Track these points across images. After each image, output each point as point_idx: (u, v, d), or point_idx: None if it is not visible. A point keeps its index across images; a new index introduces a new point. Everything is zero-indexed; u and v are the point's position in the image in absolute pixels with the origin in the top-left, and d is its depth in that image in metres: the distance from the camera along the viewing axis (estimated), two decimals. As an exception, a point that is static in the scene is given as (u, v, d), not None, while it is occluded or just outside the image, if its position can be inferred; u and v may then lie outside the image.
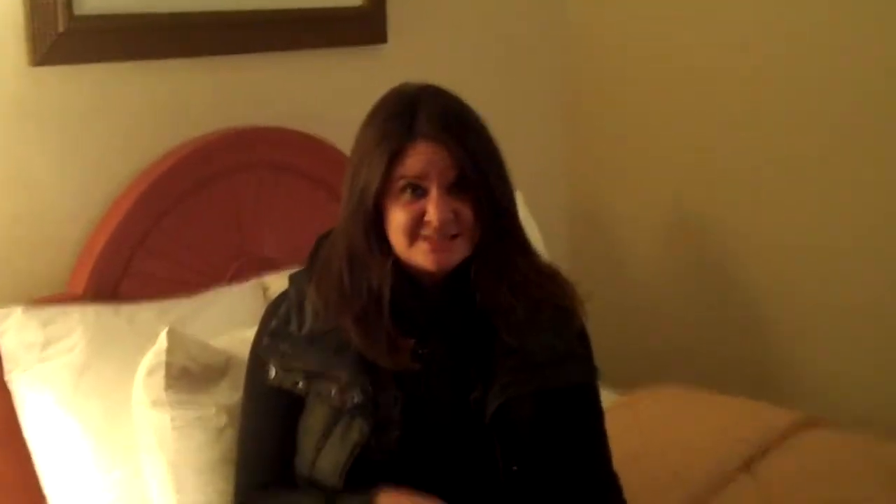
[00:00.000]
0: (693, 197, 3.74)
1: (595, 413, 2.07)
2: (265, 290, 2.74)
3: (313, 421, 1.92)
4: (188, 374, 2.19)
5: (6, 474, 2.42)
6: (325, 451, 1.89)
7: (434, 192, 1.85)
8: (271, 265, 2.82)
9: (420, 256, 1.87)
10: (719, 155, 3.63)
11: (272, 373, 1.95)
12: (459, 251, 1.89)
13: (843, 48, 3.32)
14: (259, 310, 2.59)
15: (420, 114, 1.86)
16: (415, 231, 1.86)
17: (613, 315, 3.70)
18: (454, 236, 1.87)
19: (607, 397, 2.30)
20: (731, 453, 2.70)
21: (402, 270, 1.91)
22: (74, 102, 2.60)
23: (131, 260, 2.62)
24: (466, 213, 1.88)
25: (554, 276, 2.02)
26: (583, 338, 2.05)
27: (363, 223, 1.88)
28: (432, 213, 1.84)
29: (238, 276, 2.78)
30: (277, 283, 2.66)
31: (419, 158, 1.85)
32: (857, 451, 2.75)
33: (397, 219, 1.87)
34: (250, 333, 2.16)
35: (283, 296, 2.04)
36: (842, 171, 3.38)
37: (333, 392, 1.89)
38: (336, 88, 3.11)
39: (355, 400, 1.87)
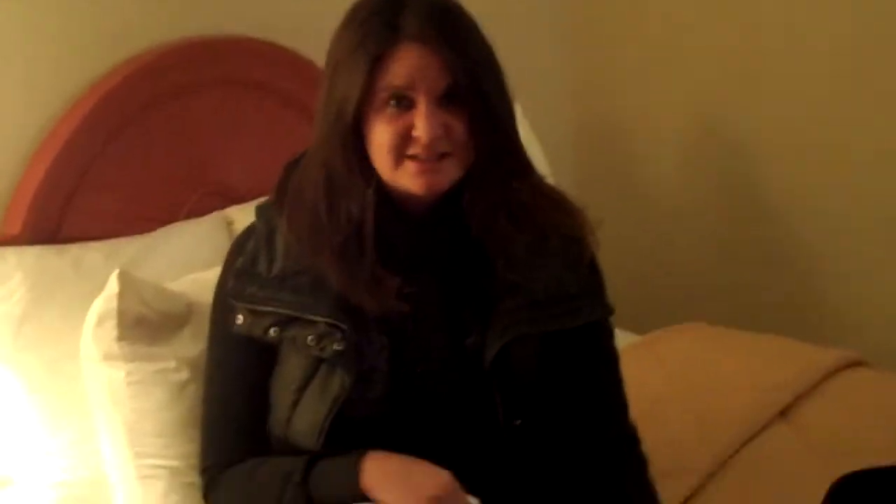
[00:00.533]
0: (716, 106, 3.72)
1: (609, 356, 2.06)
2: (229, 224, 2.74)
3: (287, 373, 1.91)
4: (144, 323, 2.17)
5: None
6: (302, 408, 1.88)
7: (422, 105, 1.82)
8: (236, 196, 2.81)
9: (406, 179, 1.84)
10: (747, 57, 3.61)
11: (240, 319, 1.92)
12: (450, 173, 1.87)
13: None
14: (223, 247, 2.57)
15: (405, 11, 1.83)
16: (401, 150, 1.83)
17: (627, 246, 3.70)
18: (444, 155, 1.84)
19: (622, 338, 2.30)
20: (764, 398, 2.70)
21: (387, 197, 1.88)
22: (3, 9, 2.55)
23: (74, 194, 2.59)
24: (459, 128, 1.84)
25: (560, 201, 1.99)
26: (593, 270, 2.03)
27: (341, 142, 1.85)
28: (420, 129, 1.81)
29: (198, 209, 2.77)
30: (243, 216, 2.66)
31: (405, 64, 1.81)
32: (906, 393, 2.76)
33: (380, 136, 1.83)
34: (214, 275, 2.15)
35: (249, 231, 2.01)
36: (881, 74, 3.36)
37: (310, 339, 1.87)
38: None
39: (335, 347, 1.85)
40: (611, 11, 3.87)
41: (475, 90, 1.84)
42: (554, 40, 3.88)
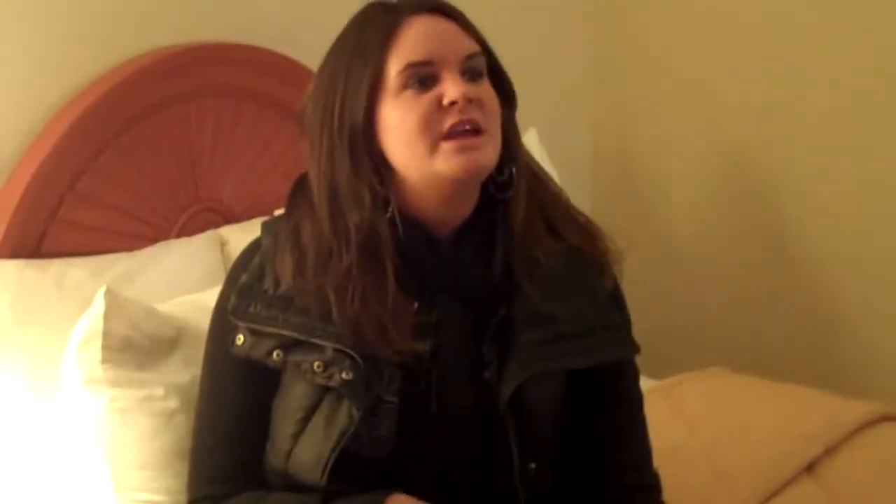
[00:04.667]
0: (739, 140, 3.72)
1: (633, 398, 2.04)
2: (223, 244, 2.74)
3: (290, 401, 1.88)
4: (130, 346, 2.15)
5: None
6: (305, 440, 1.85)
7: (448, 72, 1.80)
8: (230, 214, 2.82)
9: (445, 162, 1.79)
10: (771, 90, 3.61)
11: (240, 339, 1.89)
12: (489, 152, 1.82)
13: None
14: (215, 268, 2.64)
15: (405, 1, 1.86)
16: (434, 129, 1.79)
17: (643, 283, 3.66)
18: (479, 132, 1.81)
19: (641, 382, 2.28)
20: (790, 451, 2.68)
21: (404, 216, 1.85)
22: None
23: (59, 206, 2.58)
24: (489, 97, 1.84)
25: (586, 224, 1.99)
26: (619, 304, 2.02)
27: (350, 150, 1.83)
28: (452, 91, 1.79)
29: (190, 227, 2.77)
30: (238, 236, 2.68)
31: (421, 34, 1.81)
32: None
33: (405, 123, 1.80)
34: (205, 297, 2.15)
35: (255, 246, 1.98)
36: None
37: (316, 365, 1.84)
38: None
39: (343, 376, 1.82)
40: (633, 40, 3.89)
41: (494, 59, 1.87)
42: (574, 66, 3.89)
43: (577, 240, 1.95)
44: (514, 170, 1.89)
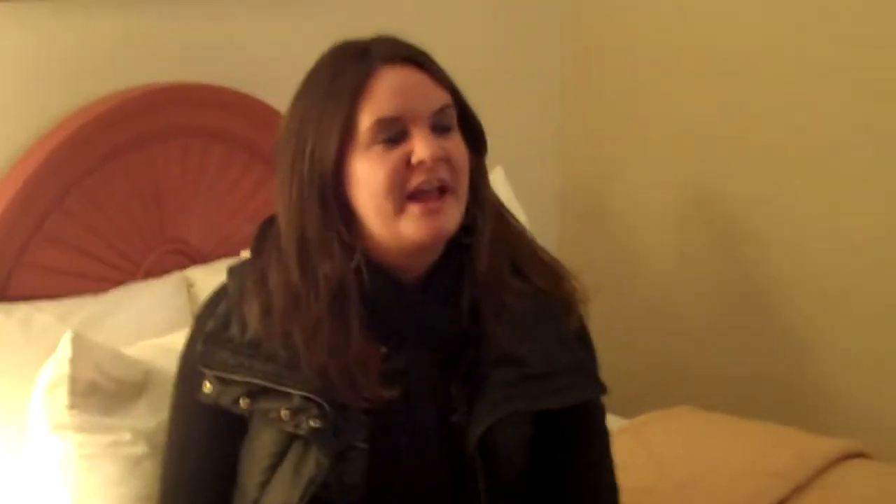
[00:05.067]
0: (707, 178, 3.74)
1: (600, 438, 2.05)
2: (189, 286, 2.72)
3: (257, 448, 1.88)
4: (97, 391, 2.14)
5: None
6: (273, 488, 1.85)
7: (417, 128, 1.81)
8: (197, 256, 2.81)
9: (410, 226, 1.80)
10: (740, 126, 3.63)
11: (207, 387, 1.89)
12: (454, 213, 1.84)
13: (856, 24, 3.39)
14: (182, 311, 2.62)
15: (376, 47, 1.85)
16: (400, 188, 1.80)
17: (611, 321, 3.67)
18: (444, 192, 1.82)
19: (608, 421, 2.28)
20: (761, 490, 2.69)
21: (371, 263, 1.86)
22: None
23: (25, 249, 2.57)
24: (456, 152, 1.84)
25: (553, 265, 1.99)
26: (586, 344, 2.03)
27: (319, 199, 1.82)
28: (421, 150, 1.79)
29: (156, 268, 2.75)
30: (205, 278, 2.66)
31: (388, 89, 1.81)
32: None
33: (373, 178, 1.80)
34: (172, 340, 2.15)
35: (221, 292, 1.98)
36: (882, 145, 3.39)
37: (284, 413, 1.83)
38: (283, 41, 3.06)
39: (311, 424, 1.82)
40: (601, 76, 3.89)
41: (463, 106, 1.88)
42: (541, 103, 3.90)
43: (543, 281, 1.95)
44: (479, 215, 1.89)
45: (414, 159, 1.79)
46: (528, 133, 3.79)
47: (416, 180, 1.80)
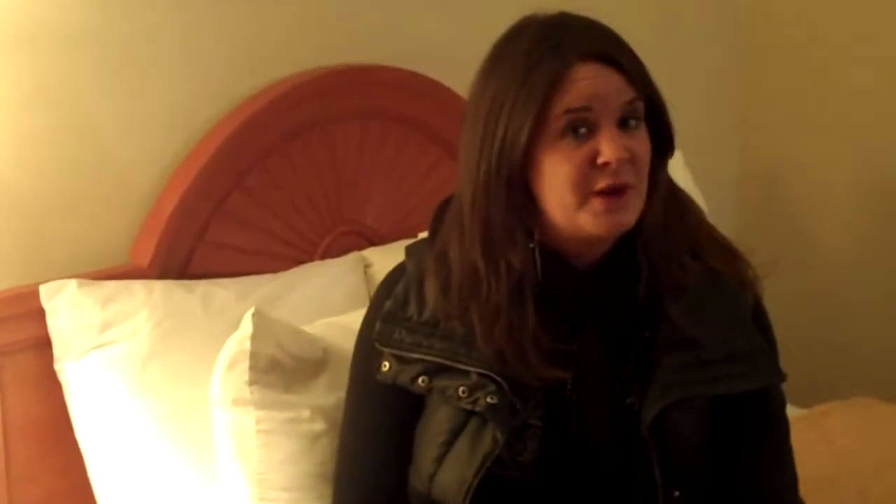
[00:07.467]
0: (891, 165, 3.69)
1: (780, 426, 2.03)
2: (367, 266, 2.77)
3: (434, 425, 1.92)
4: (278, 368, 2.19)
5: (53, 482, 2.48)
6: (448, 463, 1.89)
7: (606, 125, 1.81)
8: (374, 237, 2.86)
9: (590, 220, 1.82)
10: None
11: (385, 366, 1.93)
12: (634, 209, 1.85)
13: None
14: (358, 291, 2.66)
15: (570, 35, 1.84)
16: (585, 185, 1.81)
17: (791, 308, 3.65)
18: (625, 189, 1.82)
19: (787, 410, 2.27)
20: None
21: (549, 249, 1.88)
22: (143, 35, 2.62)
23: (207, 227, 2.64)
24: (641, 152, 1.84)
25: (729, 248, 1.99)
26: (764, 328, 2.01)
27: (506, 187, 1.84)
28: (608, 152, 1.79)
29: (333, 249, 2.80)
30: (382, 258, 2.71)
31: (582, 85, 1.81)
32: None
33: (559, 171, 1.82)
34: (349, 319, 2.18)
35: (399, 271, 2.02)
36: None
37: (461, 390, 1.87)
38: (466, 21, 3.08)
39: (488, 400, 1.85)
40: (780, 58, 3.85)
41: (655, 101, 1.87)
42: (719, 85, 3.88)
43: (717, 261, 1.95)
44: (654, 200, 1.90)
45: (600, 160, 1.80)
46: (707, 117, 3.77)
47: (600, 182, 1.81)
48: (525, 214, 1.86)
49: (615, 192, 1.81)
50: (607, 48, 1.84)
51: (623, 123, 1.83)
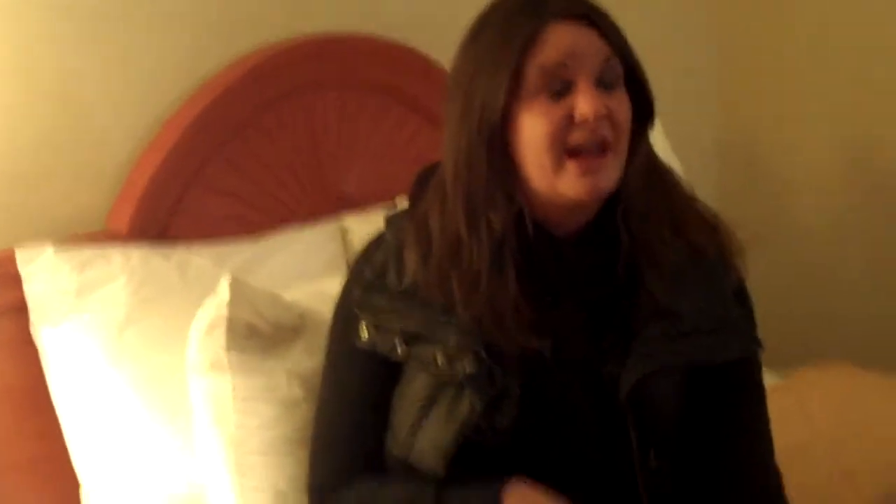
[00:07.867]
0: (871, 129, 3.69)
1: (756, 396, 2.04)
2: (344, 233, 2.76)
3: (412, 391, 1.92)
4: (255, 333, 2.19)
5: (30, 449, 2.47)
6: (426, 429, 1.89)
7: (582, 82, 1.81)
8: (352, 204, 2.85)
9: (568, 182, 1.82)
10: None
11: (364, 333, 1.94)
12: (613, 171, 1.85)
13: None
14: (336, 258, 2.66)
15: (552, 1, 1.84)
16: (561, 143, 1.80)
17: (770, 275, 3.66)
18: (604, 149, 1.82)
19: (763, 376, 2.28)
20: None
21: (528, 216, 1.87)
22: (120, 3, 2.61)
23: (184, 193, 2.64)
24: (620, 109, 1.84)
25: (711, 219, 1.99)
26: (743, 299, 2.02)
27: (486, 147, 1.84)
28: (583, 106, 1.79)
29: (312, 215, 2.80)
30: (359, 225, 2.71)
31: (560, 41, 1.81)
32: None
33: (536, 130, 1.81)
34: (327, 285, 2.17)
35: (378, 240, 2.03)
36: None
37: (439, 358, 1.88)
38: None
39: (467, 369, 1.86)
40: (760, 26, 3.86)
41: (633, 66, 1.87)
42: (697, 51, 3.88)
43: (700, 234, 1.96)
44: (632, 170, 1.90)
45: (577, 115, 1.80)
46: (686, 83, 3.77)
47: (577, 137, 1.81)
48: (507, 179, 1.85)
49: (592, 155, 1.81)
50: (585, 9, 1.85)
51: (601, 83, 1.83)
